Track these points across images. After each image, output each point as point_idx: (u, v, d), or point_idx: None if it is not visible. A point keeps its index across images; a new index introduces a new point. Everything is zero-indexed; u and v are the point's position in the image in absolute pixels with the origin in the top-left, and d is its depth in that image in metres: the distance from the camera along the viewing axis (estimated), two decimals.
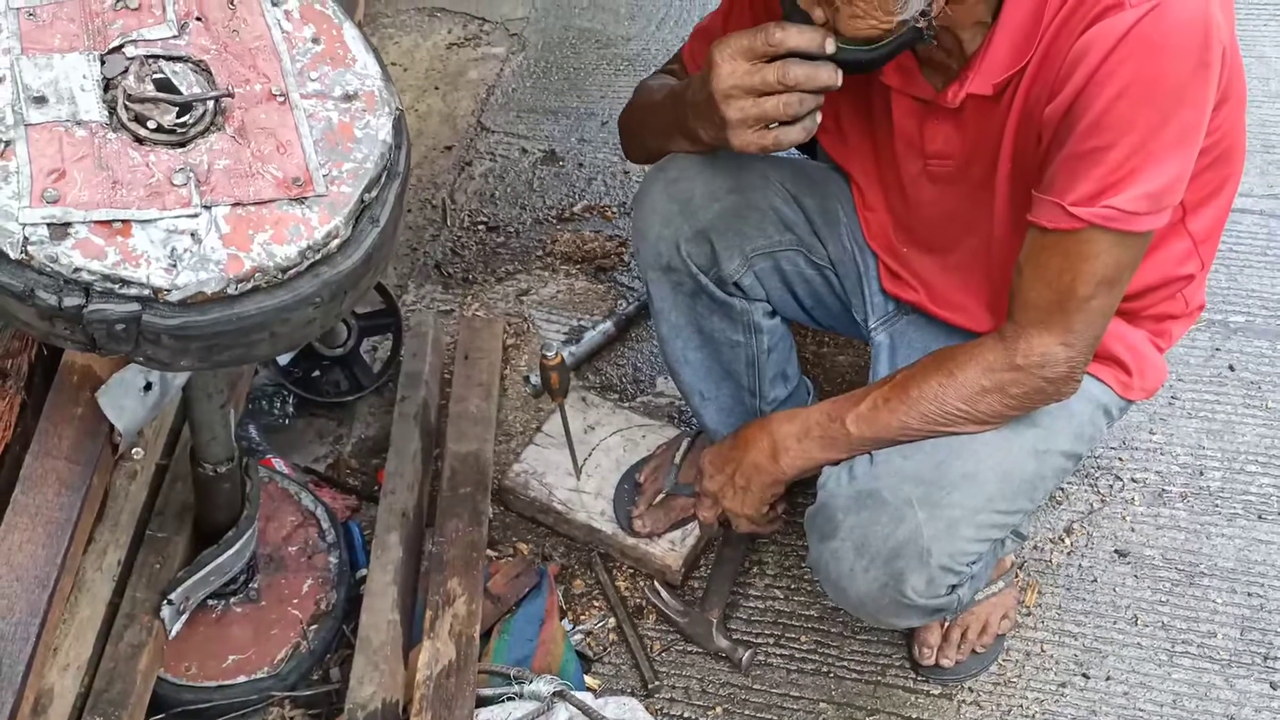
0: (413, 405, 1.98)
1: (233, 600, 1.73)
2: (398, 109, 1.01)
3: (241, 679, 1.67)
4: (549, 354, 1.76)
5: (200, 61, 0.97)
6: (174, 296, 0.90)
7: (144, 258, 0.90)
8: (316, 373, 2.09)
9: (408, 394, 2.00)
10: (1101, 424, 1.50)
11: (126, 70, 0.95)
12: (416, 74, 2.79)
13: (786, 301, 1.66)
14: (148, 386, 1.07)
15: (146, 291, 0.90)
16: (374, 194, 0.99)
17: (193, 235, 0.91)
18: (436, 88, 2.75)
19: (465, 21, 2.88)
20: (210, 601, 1.70)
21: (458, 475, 1.88)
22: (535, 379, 2.12)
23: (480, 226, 2.43)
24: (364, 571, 1.81)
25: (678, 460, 1.90)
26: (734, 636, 1.77)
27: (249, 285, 0.92)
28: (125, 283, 0.89)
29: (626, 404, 2.10)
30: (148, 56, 0.95)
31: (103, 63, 0.95)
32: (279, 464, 1.95)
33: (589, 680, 1.76)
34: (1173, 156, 1.21)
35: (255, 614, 1.73)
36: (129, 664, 1.47)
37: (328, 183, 0.96)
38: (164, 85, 0.95)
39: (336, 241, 0.96)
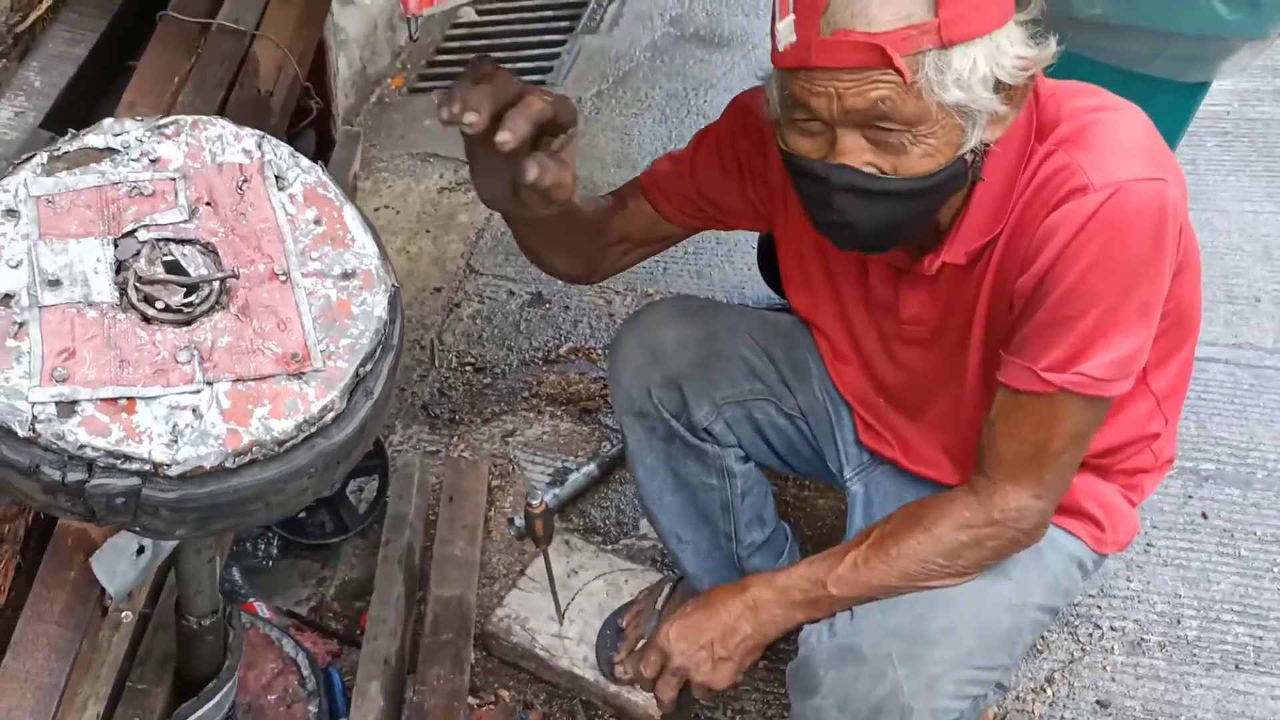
0: (397, 549, 1.99)
1: None
2: (394, 285, 1.06)
3: None
4: (534, 502, 1.79)
5: (209, 244, 1.02)
6: (173, 471, 0.93)
7: (146, 434, 0.93)
8: (302, 514, 2.11)
9: (392, 537, 2.01)
10: (1076, 576, 1.53)
11: (138, 253, 1.00)
12: (409, 217, 2.88)
13: (759, 448, 1.71)
14: (140, 550, 1.09)
15: (147, 466, 0.93)
16: (369, 367, 1.03)
17: (194, 411, 0.95)
18: (428, 230, 2.83)
19: (456, 166, 2.99)
20: None
21: (440, 621, 1.89)
22: (520, 521, 2.13)
23: (468, 367, 2.47)
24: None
25: (659, 606, 1.91)
26: None
27: (246, 458, 0.95)
28: (127, 458, 0.92)
29: (610, 546, 2.12)
30: (159, 240, 1.01)
31: (116, 246, 1.00)
32: (261, 608, 1.95)
33: None
34: (1137, 326, 1.29)
35: None
36: None
37: (325, 358, 1.00)
38: (173, 267, 1.00)
39: (332, 415, 0.99)
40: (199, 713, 1.56)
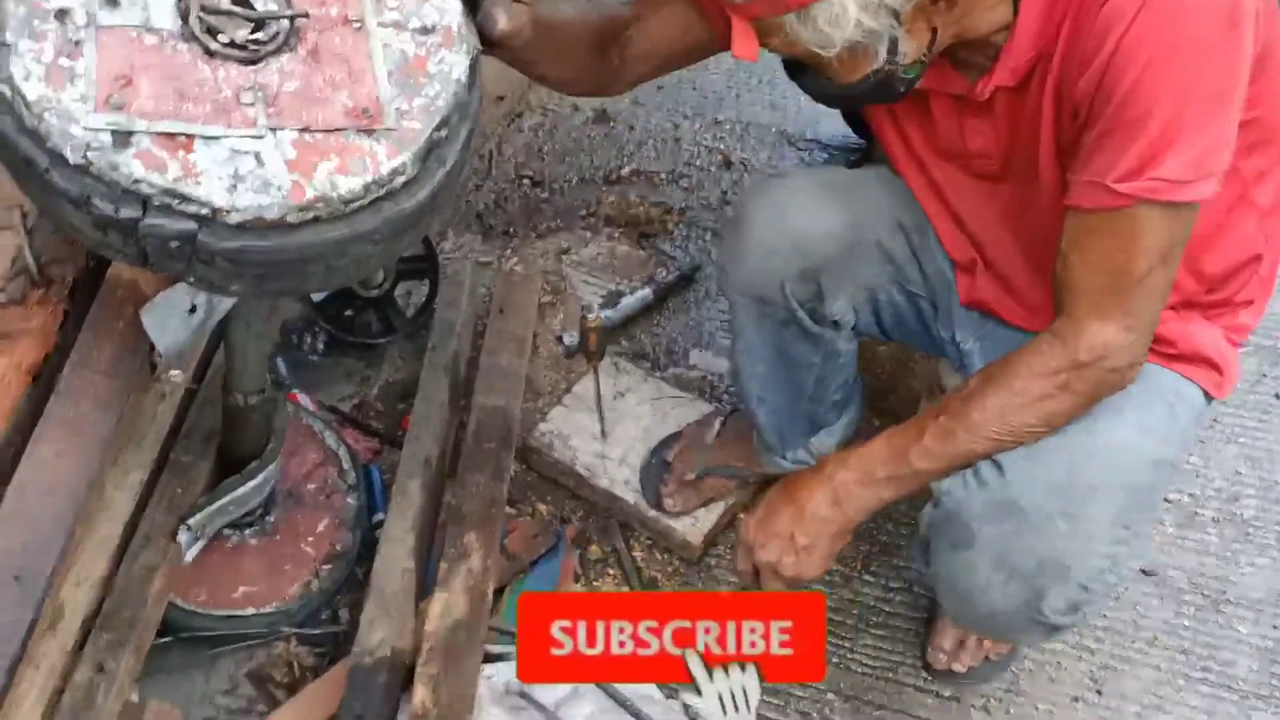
0: (444, 354, 1.96)
1: (248, 532, 1.71)
2: (476, 49, 0.98)
3: (251, 611, 1.66)
4: (590, 315, 1.73)
5: None
6: (233, 218, 0.87)
7: (205, 175, 0.87)
8: (349, 312, 2.07)
9: (439, 343, 1.97)
10: (1194, 428, 1.44)
11: None
12: None
13: (870, 326, 1.62)
14: (193, 309, 1.04)
15: (205, 210, 0.87)
16: (444, 133, 0.95)
17: (257, 157, 0.88)
18: None
19: None
20: (226, 531, 1.68)
21: (483, 429, 1.86)
22: (569, 339, 2.09)
23: (525, 180, 2.39)
24: (381, 516, 1.80)
25: (710, 442, 1.87)
26: None
27: (309, 215, 0.89)
28: (184, 199, 0.86)
29: (658, 373, 2.07)
30: None
31: None
32: (304, 400, 1.93)
33: None
34: (1212, 117, 1.17)
35: (269, 548, 1.72)
36: (142, 585, 1.46)
37: (398, 116, 0.93)
38: None
39: (402, 179, 0.92)
40: (241, 490, 1.56)
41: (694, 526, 1.83)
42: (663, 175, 2.40)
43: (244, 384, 1.37)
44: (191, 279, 0.90)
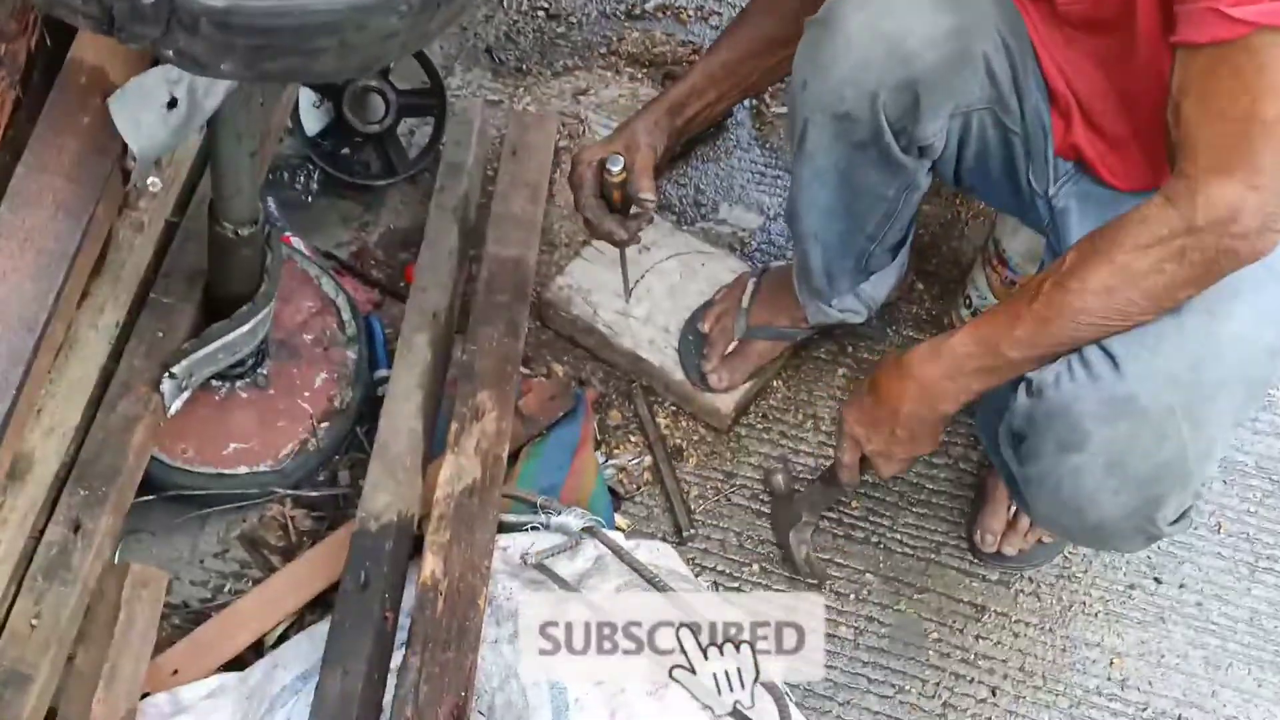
0: (452, 197, 1.77)
1: (239, 384, 1.56)
2: None
3: (242, 469, 1.52)
4: (613, 168, 1.49)
5: None
6: None
7: None
8: (346, 150, 1.88)
9: (447, 184, 1.79)
10: None
11: None
12: None
13: (948, 163, 1.41)
14: (173, 102, 0.85)
15: None
16: None
17: None
18: None
19: None
20: (215, 383, 1.53)
21: (496, 281, 1.69)
22: None
23: (540, 13, 2.17)
24: (383, 372, 1.64)
25: (745, 303, 1.70)
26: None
27: None
28: None
29: (686, 228, 1.90)
30: None
31: None
32: (298, 244, 1.75)
33: (619, 520, 1.61)
34: None
35: (262, 402, 1.57)
36: (121, 436, 1.31)
37: None
38: None
39: None
40: (230, 336, 1.39)
41: (724, 393, 1.69)
42: (690, 11, 2.18)
43: (234, 212, 1.19)
44: (170, 53, 0.71)
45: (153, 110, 0.84)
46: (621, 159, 1.48)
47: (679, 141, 1.57)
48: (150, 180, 1.01)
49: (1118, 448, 1.16)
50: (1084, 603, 1.58)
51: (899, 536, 1.63)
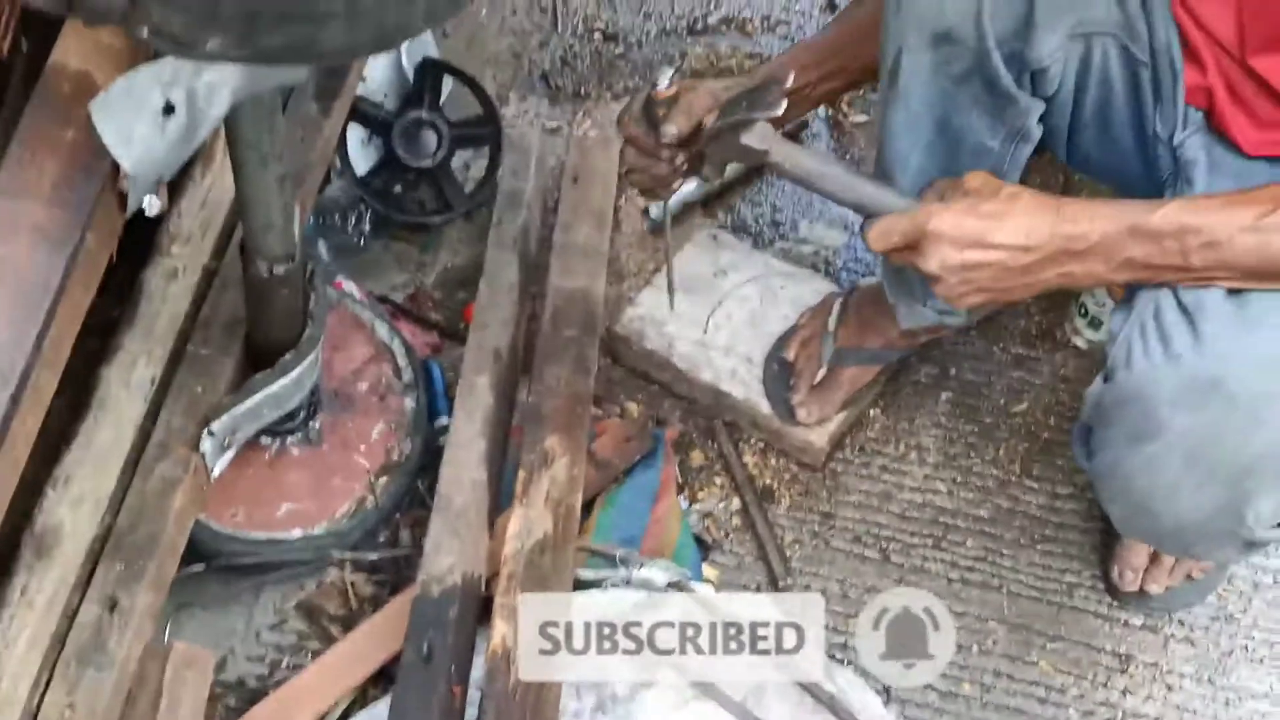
0: (510, 230, 1.65)
1: (290, 440, 1.45)
2: None
3: (296, 533, 1.41)
4: (662, 81, 1.25)
5: None
6: None
7: None
8: (399, 187, 1.78)
9: (505, 217, 1.67)
10: None
11: None
12: None
13: (1063, 110, 1.22)
14: (169, 109, 0.74)
15: None
16: None
17: None
18: None
19: None
20: (264, 440, 1.42)
21: (561, 315, 1.56)
22: (656, 212, 1.77)
23: (596, 34, 2.06)
24: (444, 420, 1.52)
25: (832, 326, 1.55)
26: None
27: None
28: None
29: (764, 248, 1.75)
30: None
31: None
32: (350, 288, 1.65)
33: (707, 570, 1.46)
34: None
35: (315, 459, 1.46)
36: (159, 503, 1.20)
37: None
38: None
39: None
40: (274, 386, 1.28)
41: (817, 426, 1.53)
42: (756, 22, 2.06)
43: (267, 247, 1.08)
44: (144, 30, 0.59)
45: (145, 118, 0.73)
46: (672, 72, 1.26)
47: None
48: (148, 200, 0.89)
49: (1200, 436, 1.00)
50: (1246, 646, 1.38)
51: (1024, 578, 1.45)
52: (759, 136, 1.16)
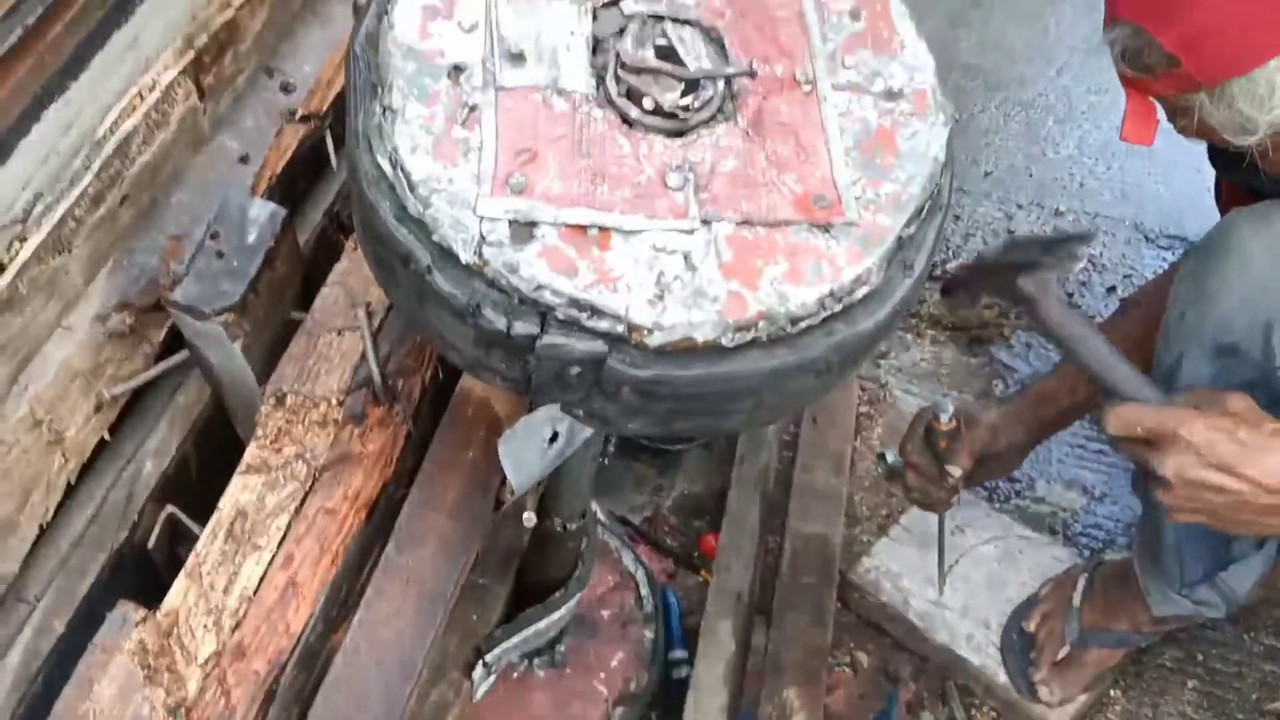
0: (753, 469, 1.71)
1: (536, 662, 1.50)
2: (954, 117, 0.74)
3: None
4: (943, 416, 1.32)
5: (712, 28, 0.73)
6: (654, 339, 0.65)
7: (623, 281, 0.65)
8: None
9: (748, 455, 1.73)
10: None
11: (623, 30, 0.71)
12: None
13: None
14: (554, 437, 0.84)
15: (620, 328, 0.65)
16: (913, 229, 0.71)
17: (686, 259, 0.66)
18: None
19: None
20: (512, 660, 1.48)
21: (800, 560, 1.59)
22: (891, 456, 1.80)
23: None
24: (678, 653, 1.55)
25: (1076, 603, 1.53)
26: None
27: (748, 336, 0.66)
28: (596, 312, 0.65)
29: (999, 505, 1.75)
30: (650, 15, 0.72)
31: (595, 17, 0.72)
32: (597, 510, 1.72)
33: None
34: None
35: (559, 683, 1.50)
36: None
37: (860, 208, 0.69)
38: (667, 54, 0.71)
39: (864, 290, 0.68)
40: (544, 621, 1.34)
41: (1059, 706, 1.50)
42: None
43: (567, 509, 1.16)
44: (580, 411, 0.69)
45: (534, 446, 0.82)
46: (952, 408, 1.33)
47: (1046, 436, 1.45)
48: (527, 515, 1.00)
49: None
50: None
51: None
52: (1037, 283, 1.12)
